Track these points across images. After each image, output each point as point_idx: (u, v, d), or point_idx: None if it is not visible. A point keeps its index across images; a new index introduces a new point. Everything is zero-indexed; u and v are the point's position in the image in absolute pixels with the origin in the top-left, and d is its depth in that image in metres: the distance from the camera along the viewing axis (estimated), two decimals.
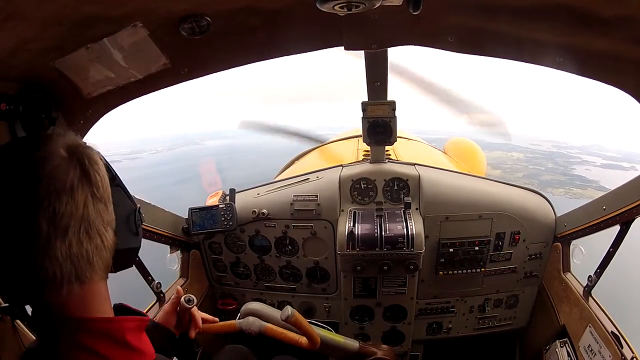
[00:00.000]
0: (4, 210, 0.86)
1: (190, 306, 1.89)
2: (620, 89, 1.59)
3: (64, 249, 0.88)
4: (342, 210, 2.86)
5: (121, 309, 1.17)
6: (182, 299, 1.88)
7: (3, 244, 0.87)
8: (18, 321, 1.47)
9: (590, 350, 2.25)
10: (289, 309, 2.03)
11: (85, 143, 1.00)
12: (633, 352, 1.99)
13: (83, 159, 0.94)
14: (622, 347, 2.02)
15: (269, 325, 2.16)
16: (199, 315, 1.96)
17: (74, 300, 0.94)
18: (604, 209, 2.28)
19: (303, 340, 2.15)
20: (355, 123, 5.20)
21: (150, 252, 2.70)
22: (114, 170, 1.11)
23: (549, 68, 1.65)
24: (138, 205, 1.20)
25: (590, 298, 2.40)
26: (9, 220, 0.86)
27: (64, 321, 0.93)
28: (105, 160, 1.05)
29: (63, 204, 0.87)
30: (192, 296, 1.90)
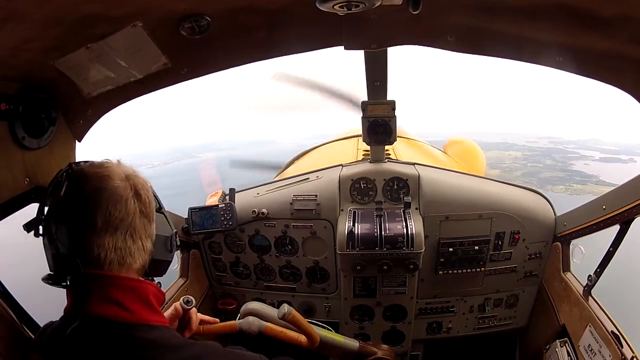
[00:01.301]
0: (75, 207, 1.18)
1: (188, 307, 1.88)
2: (620, 88, 1.59)
3: (111, 242, 1.17)
4: (342, 210, 2.86)
5: None
6: (181, 300, 1.88)
7: (68, 229, 1.18)
8: (19, 321, 1.48)
9: (590, 350, 2.25)
10: (285, 307, 2.02)
11: (139, 174, 1.31)
12: (633, 352, 1.99)
13: (137, 183, 1.26)
14: (622, 347, 2.03)
15: (268, 324, 2.16)
16: (197, 317, 1.97)
17: (110, 272, 1.17)
18: (604, 209, 2.28)
19: (302, 338, 2.14)
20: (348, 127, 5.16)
21: None
22: (160, 201, 1.46)
23: (548, 67, 1.66)
24: (175, 230, 1.56)
25: (590, 298, 2.40)
26: (77, 214, 1.18)
27: (98, 278, 1.16)
28: (154, 191, 1.37)
29: (117, 210, 1.18)
30: (191, 297, 1.89)
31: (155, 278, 2.50)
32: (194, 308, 1.94)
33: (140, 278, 1.26)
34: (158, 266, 1.47)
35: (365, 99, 2.53)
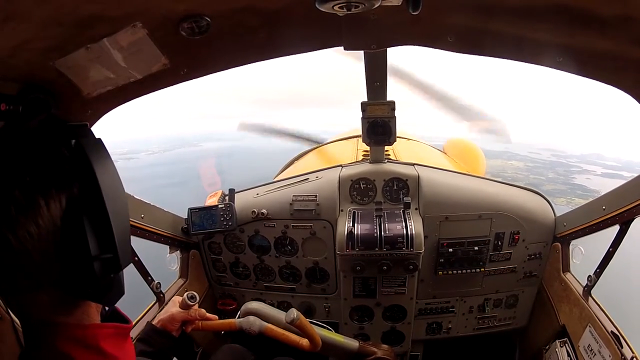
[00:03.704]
0: None
1: (192, 303, 1.92)
2: (620, 88, 1.60)
3: None
4: (342, 210, 2.86)
5: (111, 314, 1.18)
6: (185, 295, 1.92)
7: None
8: (18, 321, 1.47)
9: (590, 350, 2.25)
10: (294, 312, 2.03)
11: None
12: (633, 352, 1.99)
13: None
14: (621, 347, 2.03)
15: (270, 325, 2.16)
16: (200, 313, 1.99)
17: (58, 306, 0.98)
18: (604, 209, 2.28)
19: (304, 342, 2.14)
20: (348, 127, 5.22)
21: (150, 251, 2.69)
22: None
23: (548, 68, 1.66)
24: None
25: (590, 298, 2.41)
26: None
27: (44, 325, 0.98)
28: None
29: None
30: (195, 293, 1.93)
31: (154, 279, 2.53)
32: (195, 304, 1.97)
33: (87, 324, 1.03)
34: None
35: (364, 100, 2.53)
